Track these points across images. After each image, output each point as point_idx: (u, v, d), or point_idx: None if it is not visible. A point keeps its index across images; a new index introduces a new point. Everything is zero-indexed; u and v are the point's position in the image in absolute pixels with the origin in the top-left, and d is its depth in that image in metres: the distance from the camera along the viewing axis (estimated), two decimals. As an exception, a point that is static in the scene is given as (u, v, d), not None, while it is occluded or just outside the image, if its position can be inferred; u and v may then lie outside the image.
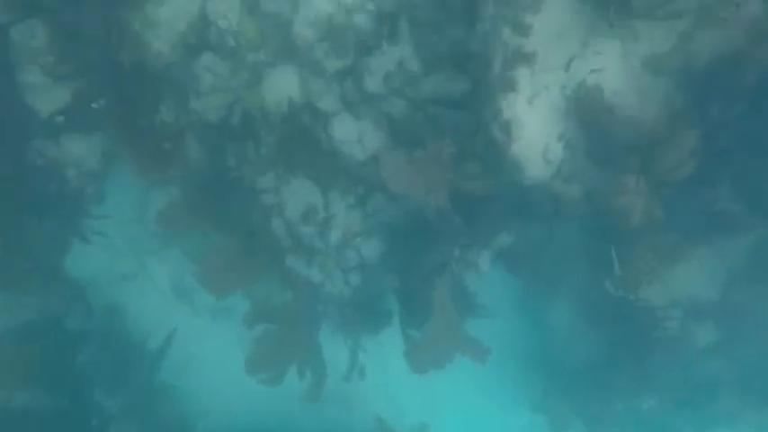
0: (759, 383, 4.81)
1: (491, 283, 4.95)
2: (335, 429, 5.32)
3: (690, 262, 4.21)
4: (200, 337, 5.12)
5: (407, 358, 4.21)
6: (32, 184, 4.16)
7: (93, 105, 3.62)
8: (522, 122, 3.70)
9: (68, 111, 3.67)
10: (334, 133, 4.33)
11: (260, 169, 4.52)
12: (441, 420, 5.51)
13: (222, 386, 5.00)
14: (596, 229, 4.17)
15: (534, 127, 3.73)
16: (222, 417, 5.19)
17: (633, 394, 5.07)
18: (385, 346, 4.99)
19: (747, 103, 3.37)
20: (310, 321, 4.70)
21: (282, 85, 4.18)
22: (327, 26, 3.86)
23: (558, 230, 4.37)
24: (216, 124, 4.29)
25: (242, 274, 4.39)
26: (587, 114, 3.71)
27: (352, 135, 4.34)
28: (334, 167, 4.37)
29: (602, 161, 3.78)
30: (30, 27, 3.60)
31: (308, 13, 3.85)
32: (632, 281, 3.94)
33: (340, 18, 3.86)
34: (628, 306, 4.43)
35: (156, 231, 4.91)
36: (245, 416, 5.22)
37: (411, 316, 4.79)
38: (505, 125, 3.71)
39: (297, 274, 4.65)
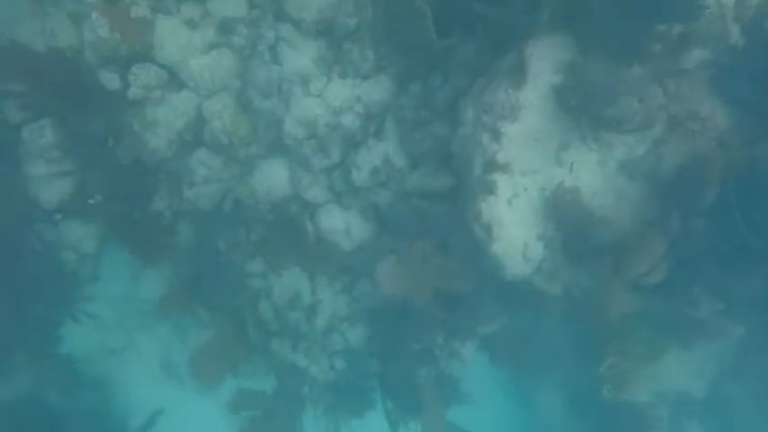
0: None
1: (479, 368, 4.95)
2: None
3: (676, 359, 4.19)
4: (185, 414, 5.11)
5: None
6: (30, 267, 4.33)
7: (90, 201, 3.80)
8: (503, 222, 3.80)
9: (68, 203, 3.86)
10: (321, 223, 4.48)
11: (249, 254, 4.67)
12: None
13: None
14: (579, 324, 4.20)
15: (514, 227, 3.82)
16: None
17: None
18: (368, 428, 4.96)
19: (715, 211, 3.45)
20: (294, 405, 4.70)
21: (272, 177, 4.35)
22: (316, 126, 4.07)
23: (542, 323, 4.40)
24: (208, 211, 4.47)
25: (230, 361, 4.45)
26: (566, 215, 3.81)
27: (339, 225, 4.48)
28: (322, 256, 4.50)
29: (581, 260, 3.85)
30: (40, 126, 3.85)
31: (299, 114, 4.08)
32: (619, 380, 3.93)
33: (328, 119, 4.07)
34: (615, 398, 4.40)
35: (147, 308, 5.04)
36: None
37: (395, 401, 4.79)
38: (486, 225, 3.81)
39: (282, 358, 4.71)
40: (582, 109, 3.56)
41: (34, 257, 4.23)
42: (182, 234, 4.41)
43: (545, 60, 3.70)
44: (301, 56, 3.97)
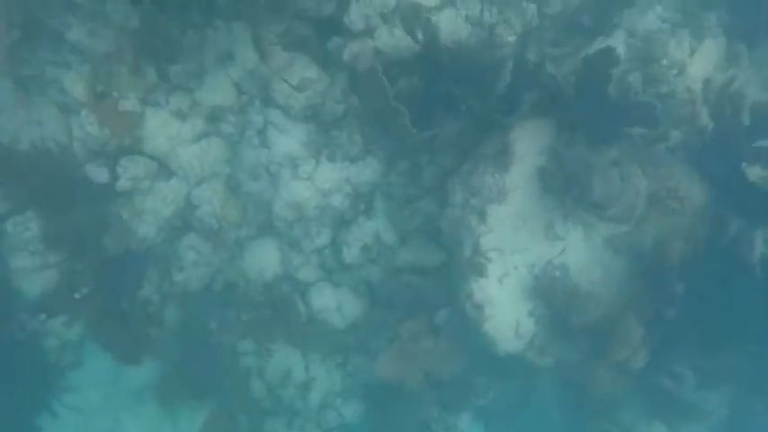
0: None
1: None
2: None
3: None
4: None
5: None
6: (8, 356, 4.17)
7: (76, 296, 3.72)
8: (494, 301, 3.85)
9: (52, 295, 3.76)
10: (313, 302, 4.46)
11: (241, 334, 4.61)
12: None
13: None
14: (571, 396, 4.23)
15: (506, 305, 3.88)
16: None
17: None
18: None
19: (692, 290, 3.56)
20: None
21: (263, 258, 4.34)
22: (305, 209, 4.09)
23: (535, 393, 4.42)
24: (198, 293, 4.41)
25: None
26: (554, 291, 3.88)
27: (331, 304, 4.48)
28: (314, 335, 4.47)
29: (569, 335, 3.92)
30: (25, 219, 3.76)
31: (288, 197, 4.10)
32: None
33: (317, 201, 4.11)
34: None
35: (134, 390, 4.88)
36: None
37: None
38: (478, 304, 3.85)
39: (276, 439, 4.61)
40: (566, 191, 3.70)
41: (14, 347, 4.09)
42: (171, 318, 4.33)
43: (529, 143, 3.83)
44: (290, 140, 4.03)
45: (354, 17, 3.73)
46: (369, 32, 3.78)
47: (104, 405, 5.02)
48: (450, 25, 3.84)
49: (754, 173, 3.57)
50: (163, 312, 4.19)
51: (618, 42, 3.91)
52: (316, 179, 4.07)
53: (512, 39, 3.90)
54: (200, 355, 4.43)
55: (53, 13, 3.71)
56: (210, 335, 4.44)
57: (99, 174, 3.62)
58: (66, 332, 4.29)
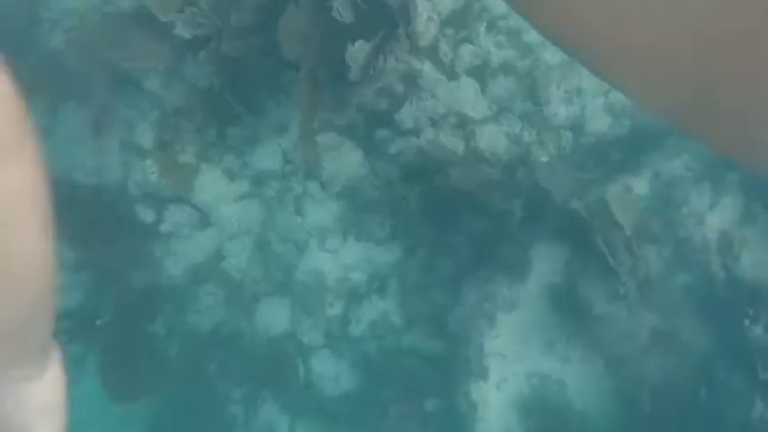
0: None
1: None
2: None
3: None
4: None
5: None
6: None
7: (98, 322, 3.90)
8: (488, 403, 3.97)
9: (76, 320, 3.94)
10: (314, 366, 4.59)
11: (236, 382, 4.72)
12: None
13: None
14: None
15: (499, 409, 3.99)
16: None
17: None
18: None
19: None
20: None
21: (274, 314, 4.53)
22: (325, 279, 4.31)
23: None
24: (205, 335, 4.57)
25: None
26: (547, 404, 3.99)
27: (330, 372, 4.60)
28: (306, 398, 4.56)
29: (559, 453, 3.99)
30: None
31: (311, 265, 4.33)
32: None
33: (338, 274, 4.32)
34: None
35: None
36: None
37: None
38: (473, 404, 3.97)
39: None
40: (574, 313, 3.87)
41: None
42: (171, 352, 4.47)
43: (547, 262, 4.07)
44: (323, 213, 4.29)
45: (405, 116, 4.07)
46: (416, 132, 4.11)
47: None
48: (491, 138, 4.18)
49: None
50: (166, 346, 4.34)
51: (643, 182, 4.20)
52: (340, 253, 4.30)
53: (545, 159, 4.21)
54: (191, 394, 4.53)
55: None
56: (207, 376, 4.57)
57: (147, 214, 3.88)
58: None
